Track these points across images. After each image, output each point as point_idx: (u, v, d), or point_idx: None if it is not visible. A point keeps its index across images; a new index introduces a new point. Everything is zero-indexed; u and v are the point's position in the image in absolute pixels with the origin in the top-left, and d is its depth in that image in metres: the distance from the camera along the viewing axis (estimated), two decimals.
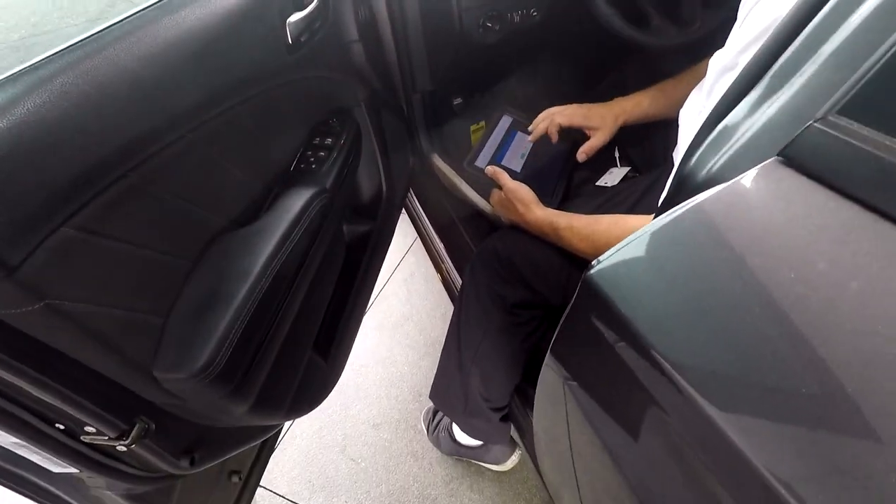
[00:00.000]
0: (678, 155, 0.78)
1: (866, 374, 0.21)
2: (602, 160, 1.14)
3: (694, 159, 0.34)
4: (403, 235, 1.77)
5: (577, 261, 0.81)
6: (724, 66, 0.58)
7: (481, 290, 0.95)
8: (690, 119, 0.72)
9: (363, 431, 1.36)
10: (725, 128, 0.32)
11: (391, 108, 1.21)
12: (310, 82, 0.84)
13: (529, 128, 1.09)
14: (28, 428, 0.54)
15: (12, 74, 0.42)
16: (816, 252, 0.24)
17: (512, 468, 1.22)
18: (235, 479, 0.91)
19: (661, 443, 0.32)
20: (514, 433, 1.18)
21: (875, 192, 0.23)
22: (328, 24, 0.85)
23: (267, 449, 1.01)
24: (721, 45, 0.66)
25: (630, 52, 1.01)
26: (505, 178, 0.92)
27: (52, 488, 0.66)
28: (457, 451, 1.22)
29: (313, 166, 0.84)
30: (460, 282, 1.28)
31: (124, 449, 0.60)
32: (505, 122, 1.12)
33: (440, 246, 1.41)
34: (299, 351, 0.80)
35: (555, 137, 1.03)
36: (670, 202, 0.36)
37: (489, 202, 1.02)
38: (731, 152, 0.30)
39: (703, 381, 0.26)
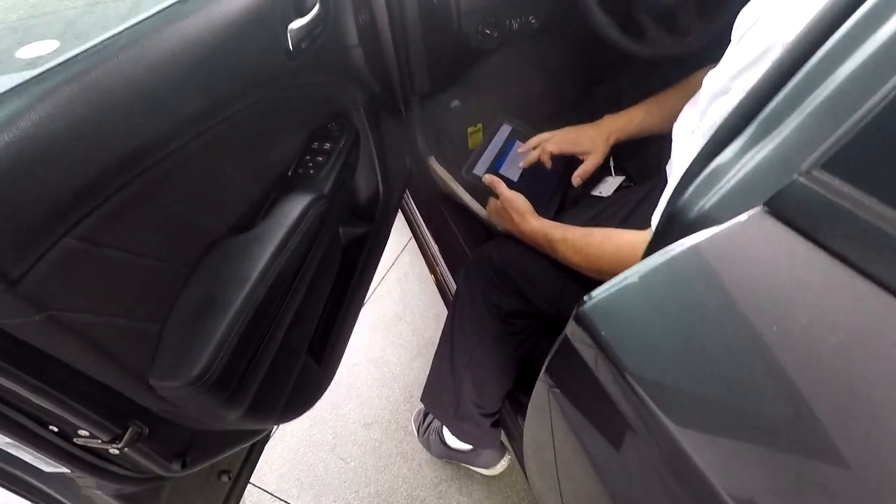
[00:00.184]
0: (671, 170, 0.79)
1: (845, 430, 0.22)
2: (597, 170, 1.15)
3: (686, 195, 0.35)
4: (398, 234, 1.77)
5: (572, 273, 0.82)
6: (718, 89, 0.59)
7: (476, 298, 0.96)
8: (683, 137, 0.73)
9: (353, 431, 1.37)
10: (716, 169, 0.33)
11: (389, 111, 1.21)
12: (310, 87, 0.84)
13: (520, 149, 1.10)
14: (21, 429, 0.55)
15: (18, 86, 0.42)
16: (800, 306, 0.25)
17: (501, 473, 1.23)
18: (225, 478, 0.92)
19: (642, 469, 0.33)
20: (504, 438, 1.19)
21: (854, 251, 0.24)
22: (329, 30, 0.86)
23: (257, 448, 1.02)
24: (716, 56, 0.67)
25: (626, 59, 1.02)
26: (502, 187, 0.93)
27: (43, 487, 0.67)
28: (446, 454, 1.24)
29: (311, 171, 0.84)
30: (454, 284, 1.29)
31: (116, 452, 0.60)
32: (504, 130, 1.12)
33: (434, 248, 1.42)
34: (294, 355, 0.80)
35: (548, 164, 1.05)
36: (663, 234, 0.37)
37: (485, 208, 1.03)
38: (720, 193, 0.31)
39: (687, 422, 0.27)
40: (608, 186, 1.08)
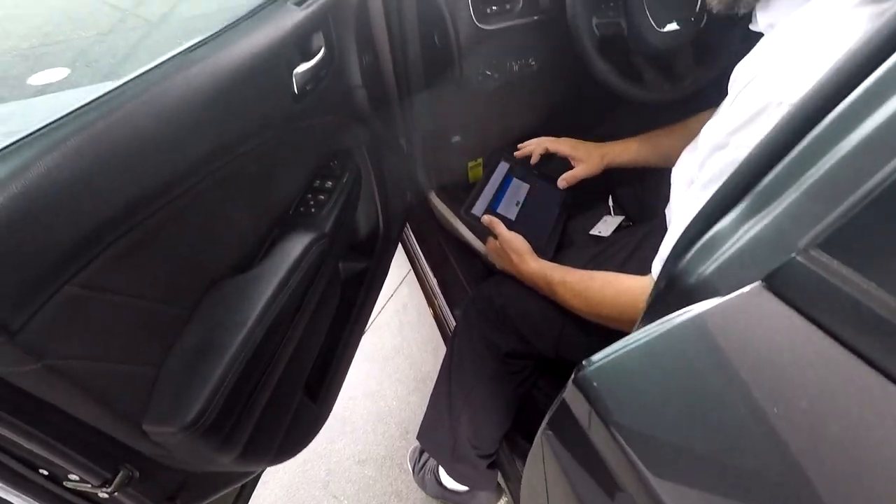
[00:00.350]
0: (670, 216, 0.80)
1: None
2: (596, 209, 1.16)
3: (686, 259, 0.35)
4: (398, 266, 1.77)
5: (572, 314, 0.82)
6: (716, 144, 0.60)
7: (474, 336, 0.95)
8: (682, 185, 0.75)
9: (348, 467, 1.34)
10: (714, 236, 0.33)
11: (391, 146, 1.23)
12: (314, 127, 0.86)
13: (519, 146, 1.15)
14: (11, 473, 0.54)
15: (27, 137, 0.43)
16: (800, 388, 0.25)
17: None
18: None
19: None
20: (500, 480, 1.17)
21: (854, 335, 0.24)
22: (333, 72, 0.88)
23: (248, 487, 0.99)
24: (713, 100, 0.68)
25: (625, 102, 1.04)
26: (500, 227, 0.93)
27: None
28: (442, 495, 1.21)
29: (313, 210, 0.85)
30: (452, 318, 1.29)
31: (106, 496, 0.59)
32: (502, 168, 1.14)
33: (433, 281, 1.42)
34: (289, 395, 0.79)
35: (536, 158, 1.12)
36: (664, 296, 0.38)
37: (485, 244, 1.04)
38: (719, 262, 0.32)
39: (683, 498, 0.27)
40: (607, 226, 1.08)
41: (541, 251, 0.97)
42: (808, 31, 0.53)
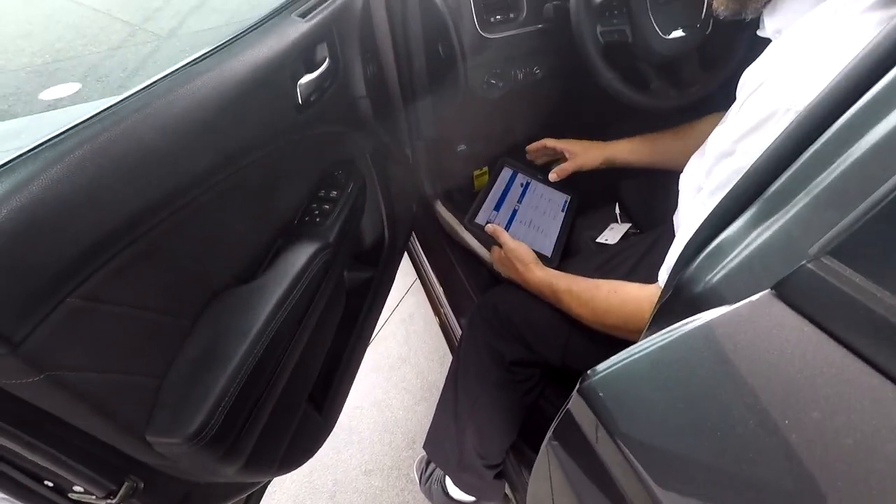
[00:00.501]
0: (678, 223, 0.79)
1: None
2: (603, 216, 1.16)
3: (693, 267, 0.34)
4: (404, 275, 1.76)
5: (578, 324, 0.81)
6: (723, 151, 0.59)
7: (480, 346, 0.95)
8: (690, 192, 0.74)
9: (354, 478, 1.33)
10: (722, 243, 0.32)
11: (396, 156, 1.23)
12: (318, 137, 0.86)
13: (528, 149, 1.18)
14: (16, 485, 0.54)
15: (31, 150, 0.43)
16: (812, 399, 0.24)
17: None
18: None
19: None
20: (507, 490, 1.16)
21: (866, 344, 0.23)
22: (338, 83, 0.88)
23: (255, 497, 0.99)
24: (720, 104, 0.68)
25: (631, 108, 1.04)
26: (504, 236, 0.93)
27: None
28: None
29: (317, 219, 0.85)
30: (458, 327, 1.28)
31: None
32: (505, 174, 1.13)
33: (439, 290, 1.41)
34: (294, 406, 0.79)
35: (533, 154, 1.17)
36: (670, 304, 0.37)
37: (490, 252, 1.04)
38: (727, 269, 0.31)
39: None
40: (614, 233, 1.08)
41: (546, 259, 0.97)
42: (815, 37, 0.53)
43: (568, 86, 1.31)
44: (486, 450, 0.98)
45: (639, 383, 0.32)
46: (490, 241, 0.99)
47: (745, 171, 0.35)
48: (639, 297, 0.70)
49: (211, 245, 0.65)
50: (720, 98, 1.05)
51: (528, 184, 1.13)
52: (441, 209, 1.34)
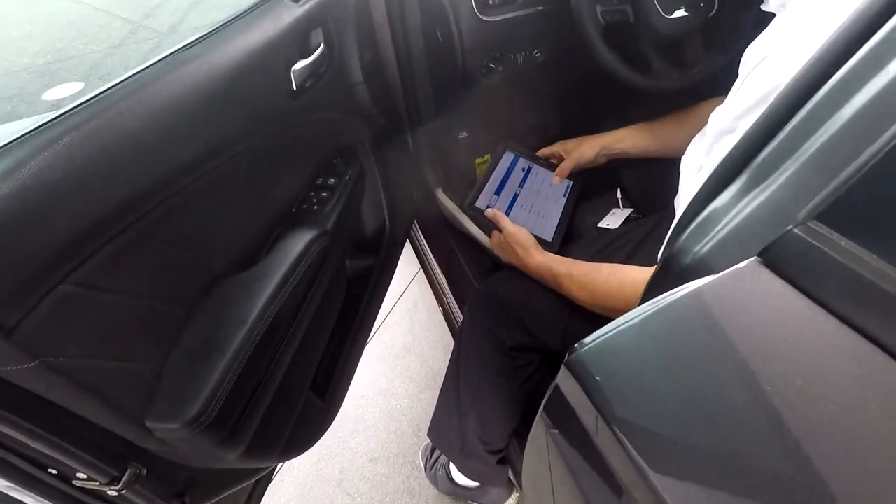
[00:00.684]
0: (678, 205, 0.78)
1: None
2: (605, 201, 1.15)
3: (682, 239, 0.34)
4: (408, 264, 1.77)
5: (577, 307, 0.81)
6: (724, 128, 0.58)
7: (480, 332, 0.94)
8: (691, 172, 0.73)
9: (361, 465, 1.35)
10: (710, 215, 0.32)
11: (396, 144, 1.22)
12: (314, 124, 0.86)
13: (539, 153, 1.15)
14: (20, 473, 0.54)
15: (19, 137, 0.43)
16: (795, 365, 0.24)
17: None
18: None
19: None
20: (511, 475, 1.16)
21: (851, 307, 0.23)
22: (333, 68, 0.87)
23: (262, 484, 1.00)
24: (725, 87, 0.66)
25: (633, 91, 1.02)
26: (504, 221, 0.92)
27: None
28: (453, 492, 1.20)
29: (315, 207, 0.85)
30: (461, 315, 1.28)
31: (115, 494, 0.59)
32: (507, 158, 1.12)
33: (442, 279, 1.41)
34: (295, 393, 0.79)
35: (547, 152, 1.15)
36: (660, 277, 0.36)
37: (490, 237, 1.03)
38: (714, 241, 0.30)
39: (672, 474, 0.26)
40: (616, 218, 1.07)
41: (547, 244, 0.96)
42: (819, 11, 0.51)
43: (570, 69, 1.29)
44: (489, 436, 0.98)
45: (625, 354, 0.32)
46: (490, 226, 0.98)
47: None
48: (638, 279, 0.70)
49: (208, 232, 0.65)
50: (724, 80, 1.03)
51: (529, 168, 1.12)
52: (442, 196, 1.33)
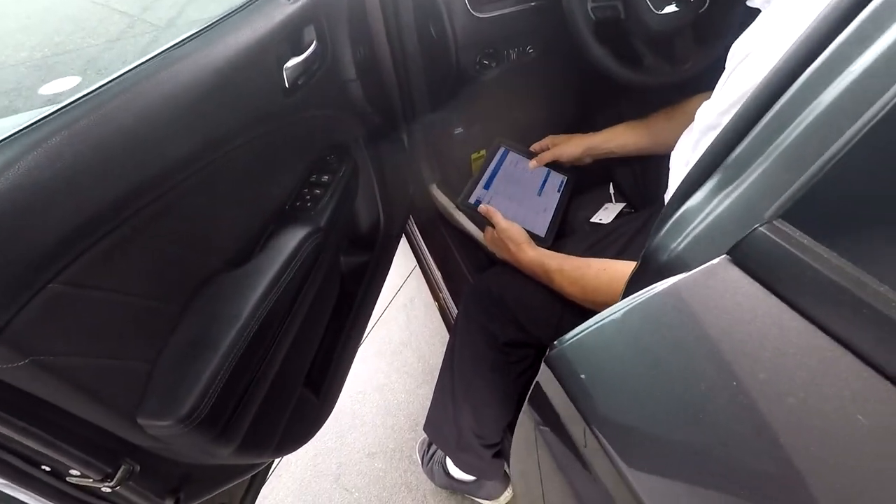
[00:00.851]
0: (668, 199, 0.78)
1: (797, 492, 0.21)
2: (597, 196, 1.15)
3: (658, 238, 0.34)
4: (405, 259, 1.78)
5: (570, 303, 0.81)
6: (708, 124, 0.58)
7: (474, 327, 0.95)
8: (679, 167, 0.73)
9: (358, 460, 1.36)
10: (685, 212, 0.32)
11: (391, 141, 1.23)
12: (307, 121, 0.86)
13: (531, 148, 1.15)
14: (13, 470, 0.55)
15: (8, 137, 0.44)
16: (759, 361, 0.24)
17: None
18: None
19: None
20: (507, 469, 1.17)
21: (814, 305, 0.23)
22: (326, 66, 0.88)
23: (258, 480, 1.01)
24: (714, 83, 0.66)
25: (626, 87, 1.02)
26: (497, 217, 0.93)
27: None
28: (450, 485, 1.22)
29: (309, 204, 0.85)
30: (456, 310, 1.29)
31: (109, 490, 0.60)
32: (502, 154, 1.13)
33: (437, 274, 1.42)
34: (289, 390, 0.80)
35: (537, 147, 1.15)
36: (639, 274, 0.37)
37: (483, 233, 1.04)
38: (689, 239, 0.31)
39: (644, 468, 0.26)
40: (608, 213, 1.07)
41: (540, 239, 0.96)
42: (802, 7, 0.52)
43: (564, 65, 1.29)
44: (483, 430, 0.99)
45: (603, 351, 0.32)
46: (484, 222, 0.99)
47: None
48: (627, 274, 0.70)
49: (201, 230, 0.66)
50: (715, 76, 1.03)
51: (524, 164, 1.13)
52: (437, 192, 1.34)
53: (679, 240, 0.32)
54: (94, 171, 0.48)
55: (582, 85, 1.36)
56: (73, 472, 0.57)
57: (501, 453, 1.07)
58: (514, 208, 1.03)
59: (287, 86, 0.77)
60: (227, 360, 0.61)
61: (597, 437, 0.30)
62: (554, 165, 1.13)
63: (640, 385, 0.29)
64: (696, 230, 0.31)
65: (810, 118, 0.26)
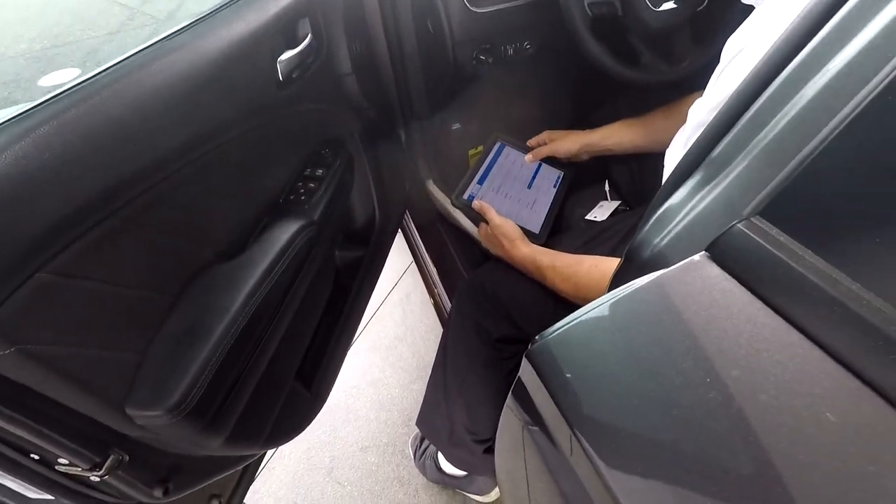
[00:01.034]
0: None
1: (765, 489, 0.21)
2: (593, 194, 1.15)
3: (642, 234, 0.34)
4: (402, 255, 1.78)
5: (563, 299, 0.82)
6: (700, 121, 0.58)
7: (467, 323, 0.95)
8: (672, 165, 0.73)
9: (351, 454, 1.36)
10: (667, 210, 0.32)
11: (388, 136, 1.22)
12: (302, 115, 0.86)
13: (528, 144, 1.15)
14: (1, 458, 0.55)
15: None
16: (733, 358, 0.24)
17: (495, 499, 1.21)
18: (215, 502, 0.91)
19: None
20: None
21: (787, 302, 0.23)
22: (321, 59, 0.87)
23: (250, 472, 1.01)
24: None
25: (623, 84, 1.02)
26: (491, 213, 0.93)
27: None
28: (442, 480, 1.22)
29: (302, 198, 0.85)
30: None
31: (98, 479, 0.60)
32: (498, 150, 1.13)
33: (433, 270, 1.42)
34: (280, 383, 0.80)
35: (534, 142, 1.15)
36: (623, 273, 0.37)
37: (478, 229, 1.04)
38: (671, 236, 0.31)
39: (617, 463, 0.27)
40: (603, 211, 1.07)
41: (534, 236, 0.96)
42: (794, 4, 0.52)
43: (561, 61, 1.29)
44: (476, 426, 0.99)
45: (581, 347, 0.33)
46: (479, 218, 0.99)
47: None
48: None
49: (192, 222, 0.66)
50: (712, 73, 1.03)
51: (519, 159, 1.12)
52: (433, 188, 1.34)
53: (661, 236, 0.32)
54: (84, 161, 0.48)
55: (579, 82, 1.36)
56: (61, 460, 0.57)
57: (492, 449, 1.08)
58: (508, 204, 1.03)
59: (281, 79, 0.76)
60: (217, 352, 0.61)
61: (575, 435, 0.30)
62: (550, 161, 1.13)
63: (619, 381, 0.29)
64: (678, 227, 0.31)
65: (789, 116, 0.26)
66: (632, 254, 0.34)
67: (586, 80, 1.33)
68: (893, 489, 0.19)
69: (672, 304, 0.27)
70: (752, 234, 0.25)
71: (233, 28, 0.67)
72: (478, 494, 1.20)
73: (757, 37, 0.54)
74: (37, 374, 0.48)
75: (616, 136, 1.03)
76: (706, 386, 0.24)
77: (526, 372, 0.35)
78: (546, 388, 0.32)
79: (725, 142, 0.30)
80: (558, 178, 1.11)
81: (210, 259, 0.69)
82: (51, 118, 0.46)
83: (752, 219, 0.25)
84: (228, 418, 0.67)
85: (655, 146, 0.98)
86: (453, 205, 1.04)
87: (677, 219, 0.31)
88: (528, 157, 1.10)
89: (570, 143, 1.06)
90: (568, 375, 0.31)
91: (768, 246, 0.24)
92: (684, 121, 0.79)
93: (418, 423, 1.12)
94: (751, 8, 0.65)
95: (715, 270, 0.26)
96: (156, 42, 0.59)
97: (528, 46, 1.15)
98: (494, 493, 1.20)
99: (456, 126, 1.38)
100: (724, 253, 0.26)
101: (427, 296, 1.64)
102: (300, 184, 0.88)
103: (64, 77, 2.50)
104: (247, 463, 0.89)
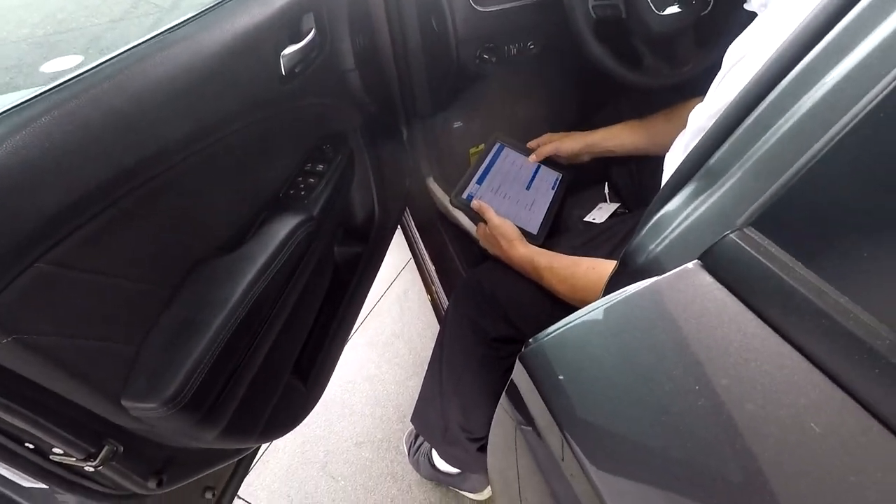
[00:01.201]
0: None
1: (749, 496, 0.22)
2: (592, 196, 1.15)
3: (637, 239, 0.35)
4: (401, 251, 1.78)
5: (560, 301, 0.82)
6: (700, 127, 0.58)
7: (464, 321, 0.96)
8: (671, 170, 0.73)
9: (345, 449, 1.37)
10: (662, 217, 0.33)
11: (389, 133, 1.22)
12: (304, 109, 0.86)
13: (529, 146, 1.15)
14: None
15: None
16: (722, 367, 0.25)
17: (488, 497, 1.22)
18: (209, 495, 0.92)
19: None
20: None
21: (776, 313, 0.23)
22: (324, 54, 0.87)
23: (244, 465, 1.01)
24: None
25: (625, 87, 1.02)
26: (490, 213, 0.93)
27: (23, 502, 0.67)
28: (435, 477, 1.23)
29: (302, 192, 0.85)
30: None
31: (92, 469, 0.61)
32: (498, 150, 1.13)
33: (431, 268, 1.42)
34: (276, 376, 0.81)
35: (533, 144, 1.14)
36: (618, 278, 0.37)
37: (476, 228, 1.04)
38: (665, 243, 0.31)
39: (608, 468, 0.27)
40: (602, 213, 1.07)
41: (532, 236, 0.97)
42: (799, 10, 0.52)
43: (565, 62, 1.28)
44: (470, 424, 1.00)
45: (573, 351, 0.33)
46: (478, 217, 0.99)
47: None
48: None
49: (192, 215, 0.66)
50: (713, 78, 1.03)
51: (518, 159, 1.13)
52: (433, 186, 1.34)
53: (657, 242, 0.32)
54: (84, 152, 0.48)
55: (582, 83, 1.36)
56: (56, 450, 0.57)
57: (486, 447, 1.08)
58: (507, 205, 1.03)
59: (284, 73, 0.77)
60: (214, 345, 0.62)
61: (565, 437, 0.30)
62: (550, 163, 1.14)
63: (610, 385, 0.30)
64: (673, 234, 0.31)
65: (785, 128, 0.27)
66: (627, 258, 0.34)
67: (589, 82, 1.32)
68: (874, 500, 0.20)
69: (665, 311, 0.28)
70: (744, 245, 0.25)
71: (237, 21, 0.67)
72: (471, 492, 1.21)
73: (759, 44, 0.54)
74: (33, 365, 0.48)
75: (618, 138, 1.03)
76: (695, 393, 0.25)
77: (519, 374, 0.35)
78: (538, 390, 0.32)
79: (722, 150, 0.30)
80: (557, 179, 1.12)
81: (208, 252, 0.70)
82: (52, 108, 0.46)
83: (744, 229, 0.26)
84: (224, 411, 0.67)
85: (656, 148, 0.98)
86: (452, 204, 1.04)
87: (672, 226, 0.31)
88: (532, 157, 1.10)
89: (573, 142, 1.06)
90: (560, 378, 0.32)
91: (759, 257, 0.24)
92: (685, 124, 0.79)
93: (413, 420, 1.12)
94: (755, 14, 0.65)
95: (707, 279, 0.26)
96: (159, 33, 0.59)
97: (531, 46, 1.14)
98: (487, 492, 1.21)
99: (458, 124, 1.38)
100: (717, 262, 0.26)
101: (425, 293, 1.64)
102: (300, 178, 0.88)
103: (67, 64, 2.50)
104: (241, 456, 0.89)
